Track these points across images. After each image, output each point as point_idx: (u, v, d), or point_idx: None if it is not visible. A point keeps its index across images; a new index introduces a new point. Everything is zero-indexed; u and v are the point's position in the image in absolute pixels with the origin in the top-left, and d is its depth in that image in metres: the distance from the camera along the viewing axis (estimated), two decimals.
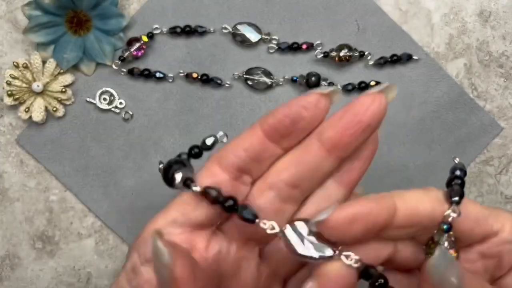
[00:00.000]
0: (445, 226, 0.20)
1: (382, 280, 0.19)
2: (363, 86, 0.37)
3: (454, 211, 0.20)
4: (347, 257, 0.20)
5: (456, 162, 0.22)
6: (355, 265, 0.19)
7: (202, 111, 0.38)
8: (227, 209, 0.21)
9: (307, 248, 0.20)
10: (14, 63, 0.36)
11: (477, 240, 0.22)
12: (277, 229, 0.21)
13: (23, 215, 0.39)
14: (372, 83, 0.38)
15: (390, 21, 0.38)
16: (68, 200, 0.39)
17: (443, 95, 0.38)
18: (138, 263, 0.23)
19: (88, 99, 0.38)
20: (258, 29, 0.37)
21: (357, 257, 0.20)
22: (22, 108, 0.37)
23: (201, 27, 0.37)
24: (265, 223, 0.21)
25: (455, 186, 0.21)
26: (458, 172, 0.22)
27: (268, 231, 0.21)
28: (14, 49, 0.38)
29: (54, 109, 0.37)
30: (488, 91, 0.38)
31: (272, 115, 0.22)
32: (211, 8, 0.38)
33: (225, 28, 0.37)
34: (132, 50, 0.37)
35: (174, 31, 0.37)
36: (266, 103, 0.38)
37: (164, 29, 0.37)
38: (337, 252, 0.20)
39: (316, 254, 0.20)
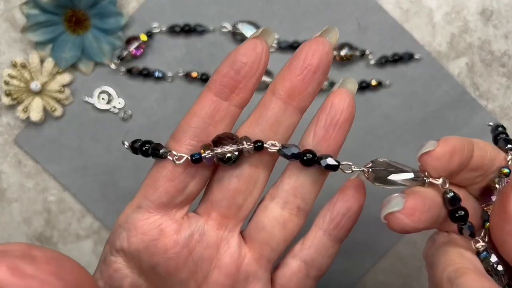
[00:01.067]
0: (506, 170, 0.22)
1: (463, 212, 0.21)
2: (364, 86, 0.37)
3: None
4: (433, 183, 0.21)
5: (492, 123, 0.25)
6: (446, 186, 0.21)
7: None
8: (307, 162, 0.22)
9: (397, 176, 0.21)
10: (12, 62, 0.36)
11: None
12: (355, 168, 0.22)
13: (21, 215, 0.39)
14: (374, 82, 0.37)
15: (391, 20, 0.37)
16: (67, 201, 0.39)
17: (444, 94, 0.38)
18: (108, 253, 0.23)
19: (86, 99, 0.38)
20: (258, 28, 0.37)
21: (447, 185, 0.21)
22: (20, 107, 0.37)
23: (200, 26, 0.37)
24: (350, 166, 0.22)
25: (506, 137, 0.23)
26: (500, 128, 0.24)
27: (354, 168, 0.22)
28: (12, 48, 0.37)
29: (53, 108, 0.37)
30: (490, 90, 0.38)
31: (216, 72, 0.22)
32: (211, 7, 0.37)
33: (225, 27, 0.37)
34: (130, 49, 0.37)
35: (173, 30, 0.37)
36: None
37: (163, 28, 0.37)
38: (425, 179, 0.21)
39: (409, 176, 0.21)
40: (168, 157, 0.22)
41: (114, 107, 0.38)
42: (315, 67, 0.21)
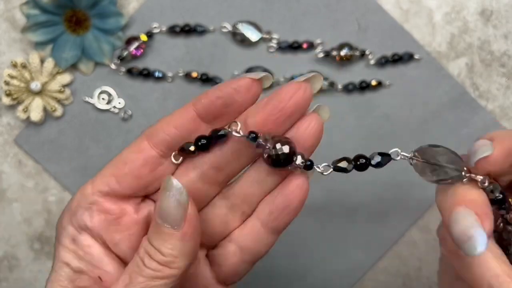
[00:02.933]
0: None
1: (501, 195, 0.21)
2: (364, 86, 0.37)
3: None
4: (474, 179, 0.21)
5: None
6: (485, 184, 0.21)
7: None
8: (361, 167, 0.22)
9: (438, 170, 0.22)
10: (12, 62, 0.36)
11: None
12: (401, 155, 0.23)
13: (21, 216, 0.39)
14: (373, 82, 0.37)
15: (391, 20, 0.37)
16: (67, 201, 0.39)
17: (444, 94, 0.38)
18: (76, 233, 0.23)
19: (86, 99, 0.38)
20: (258, 28, 0.37)
21: (486, 183, 0.21)
22: (21, 107, 0.37)
23: (200, 26, 0.37)
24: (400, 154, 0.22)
25: None
26: None
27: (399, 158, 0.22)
28: (12, 48, 0.37)
29: (53, 108, 0.37)
30: (490, 90, 0.38)
31: (205, 95, 0.22)
32: (211, 7, 0.37)
33: (225, 27, 0.37)
34: (130, 49, 0.37)
35: (173, 30, 0.37)
36: None
37: (163, 28, 0.37)
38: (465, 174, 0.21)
39: (452, 174, 0.22)
40: (233, 133, 0.22)
41: (114, 107, 0.38)
42: (289, 112, 0.22)
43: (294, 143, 0.22)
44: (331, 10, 0.37)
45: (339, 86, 0.37)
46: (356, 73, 0.38)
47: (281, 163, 0.22)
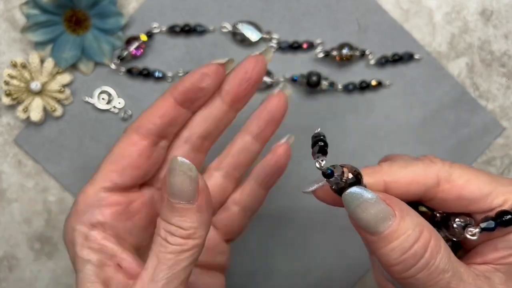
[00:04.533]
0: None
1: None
2: (364, 86, 0.37)
3: None
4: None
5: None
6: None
7: None
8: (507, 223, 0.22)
9: None
10: (12, 62, 0.36)
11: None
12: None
13: (21, 216, 0.39)
14: (373, 82, 0.37)
15: (391, 20, 0.37)
16: (67, 201, 0.39)
17: (444, 94, 0.38)
18: (87, 230, 0.25)
19: (86, 99, 0.38)
20: (258, 28, 0.37)
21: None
22: (20, 107, 0.37)
23: (200, 26, 0.37)
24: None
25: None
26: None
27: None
28: (12, 48, 0.37)
29: (53, 108, 0.37)
30: (490, 90, 0.38)
31: (181, 84, 0.27)
32: (211, 7, 0.37)
33: (225, 27, 0.37)
34: (130, 49, 0.37)
35: (173, 30, 0.37)
36: None
37: (163, 28, 0.37)
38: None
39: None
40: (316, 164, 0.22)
41: (114, 107, 0.38)
42: (254, 80, 0.27)
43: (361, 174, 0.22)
44: (331, 10, 0.37)
45: (339, 86, 0.37)
46: (356, 73, 0.38)
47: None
